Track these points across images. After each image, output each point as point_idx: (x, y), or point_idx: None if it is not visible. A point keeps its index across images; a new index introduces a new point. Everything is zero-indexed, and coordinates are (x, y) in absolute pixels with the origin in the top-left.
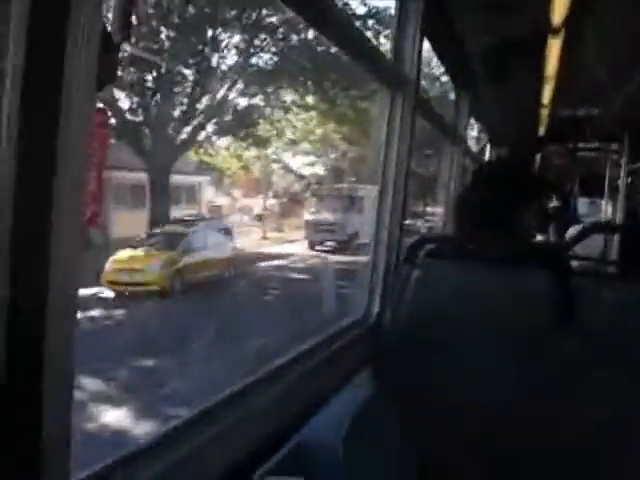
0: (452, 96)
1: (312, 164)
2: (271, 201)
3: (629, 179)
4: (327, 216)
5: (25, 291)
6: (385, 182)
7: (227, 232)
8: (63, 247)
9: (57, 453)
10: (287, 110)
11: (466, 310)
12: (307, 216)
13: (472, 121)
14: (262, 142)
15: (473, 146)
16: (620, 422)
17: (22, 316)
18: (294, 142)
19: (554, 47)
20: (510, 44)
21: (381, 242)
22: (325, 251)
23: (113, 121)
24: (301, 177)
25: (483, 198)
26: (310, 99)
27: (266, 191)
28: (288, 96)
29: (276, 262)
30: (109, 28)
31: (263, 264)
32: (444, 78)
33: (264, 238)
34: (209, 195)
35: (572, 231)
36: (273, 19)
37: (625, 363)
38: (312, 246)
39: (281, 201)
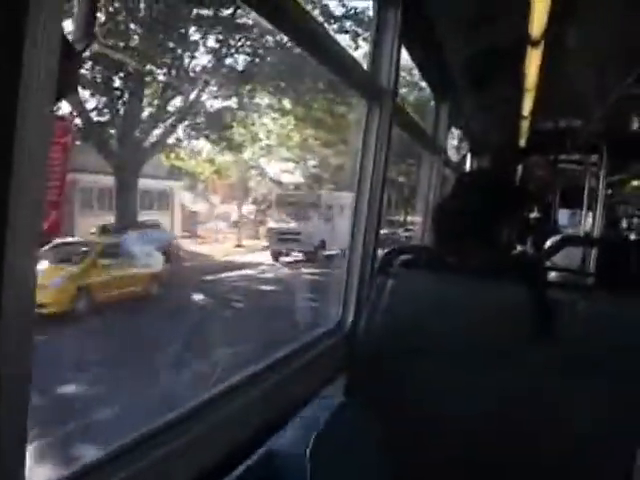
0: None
1: (290, 171)
2: (249, 208)
3: (609, 191)
4: (292, 224)
5: None
6: (361, 191)
7: (162, 243)
8: (19, 256)
9: (12, 465)
10: (262, 114)
11: (441, 321)
12: (270, 224)
13: (453, 130)
14: (236, 146)
15: (453, 156)
16: (599, 435)
17: None
18: (270, 147)
19: (534, 58)
20: (490, 54)
21: (356, 251)
22: (290, 263)
23: (78, 121)
24: (279, 184)
25: (462, 208)
26: (287, 103)
27: (243, 198)
28: (264, 99)
29: (236, 273)
30: (70, 35)
31: (218, 276)
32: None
33: (238, 246)
34: (185, 201)
35: (550, 243)
36: (248, 19)
37: (604, 375)
38: (276, 257)
39: (258, 208)
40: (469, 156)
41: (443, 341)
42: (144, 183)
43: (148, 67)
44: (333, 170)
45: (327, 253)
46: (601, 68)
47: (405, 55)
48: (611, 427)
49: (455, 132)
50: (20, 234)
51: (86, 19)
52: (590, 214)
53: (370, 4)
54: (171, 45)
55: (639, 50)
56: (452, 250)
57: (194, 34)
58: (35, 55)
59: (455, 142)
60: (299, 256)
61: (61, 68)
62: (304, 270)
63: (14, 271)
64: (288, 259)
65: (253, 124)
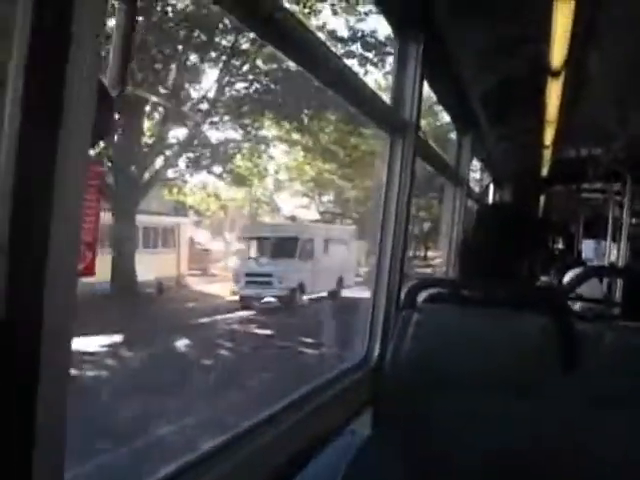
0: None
1: (305, 206)
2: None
3: (633, 220)
4: (262, 264)
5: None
6: (386, 225)
7: None
8: (57, 295)
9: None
10: (268, 145)
11: (467, 354)
12: (235, 264)
13: (474, 162)
14: (242, 180)
15: (476, 187)
16: (628, 466)
17: (18, 359)
18: (280, 182)
19: (554, 88)
20: (511, 86)
21: (381, 285)
22: (258, 312)
23: None
24: (292, 219)
25: (485, 242)
26: (296, 136)
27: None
28: (271, 130)
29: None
30: (105, 81)
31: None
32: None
33: None
34: (199, 238)
35: (571, 274)
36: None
37: (632, 407)
38: (245, 304)
39: None
40: (491, 187)
41: (470, 375)
42: (148, 220)
43: (144, 95)
44: (351, 205)
45: (308, 297)
46: (623, 96)
47: (425, 86)
48: (638, 458)
49: (477, 163)
50: (58, 273)
51: (119, 67)
52: (615, 244)
53: (373, 25)
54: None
55: None
56: (477, 283)
57: (195, 60)
58: (74, 99)
59: (477, 173)
60: (273, 301)
61: (97, 112)
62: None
63: (52, 309)
64: (263, 305)
65: (259, 156)
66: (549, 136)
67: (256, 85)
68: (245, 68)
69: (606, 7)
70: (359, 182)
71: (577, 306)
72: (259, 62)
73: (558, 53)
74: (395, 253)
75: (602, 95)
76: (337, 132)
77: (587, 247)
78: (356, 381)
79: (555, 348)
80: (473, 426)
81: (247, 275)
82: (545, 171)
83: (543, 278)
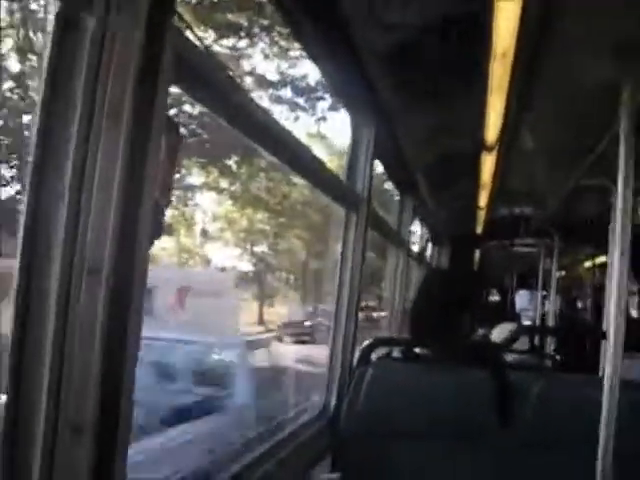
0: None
1: (237, 257)
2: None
3: (562, 272)
4: None
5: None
6: (341, 290)
7: None
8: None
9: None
10: (194, 193)
11: (416, 407)
12: None
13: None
14: (169, 229)
15: (415, 246)
16: None
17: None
18: (208, 231)
19: (488, 161)
20: (450, 158)
21: (337, 344)
22: None
23: None
24: (222, 270)
25: (431, 304)
26: (225, 183)
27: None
28: (199, 177)
29: None
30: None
31: None
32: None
33: None
34: None
35: (498, 330)
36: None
37: (557, 451)
38: None
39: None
40: (430, 245)
41: (419, 425)
42: None
43: None
44: (284, 255)
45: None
46: (549, 167)
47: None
48: None
49: (417, 223)
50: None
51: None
52: (546, 294)
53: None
54: None
55: (589, 147)
56: (424, 341)
57: None
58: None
59: (417, 232)
60: None
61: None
62: None
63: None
64: None
65: (186, 205)
66: (484, 199)
67: (182, 129)
68: (172, 112)
69: (537, 97)
70: (292, 232)
71: (511, 357)
72: (186, 106)
73: (492, 132)
74: (350, 315)
75: (531, 166)
76: (267, 180)
77: (521, 298)
78: (316, 430)
79: (493, 398)
80: (422, 471)
81: None
82: (480, 229)
83: (481, 331)
